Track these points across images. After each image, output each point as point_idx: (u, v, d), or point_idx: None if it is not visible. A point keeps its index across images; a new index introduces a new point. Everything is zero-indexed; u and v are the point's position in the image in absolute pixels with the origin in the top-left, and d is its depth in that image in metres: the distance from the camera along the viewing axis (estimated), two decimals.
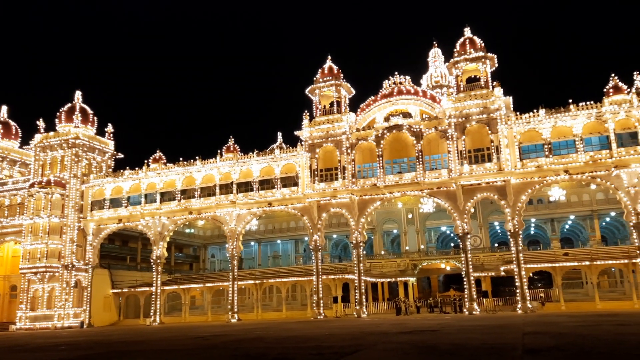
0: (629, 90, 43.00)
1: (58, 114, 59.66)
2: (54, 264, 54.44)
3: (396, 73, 51.47)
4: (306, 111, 50.37)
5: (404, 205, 58.60)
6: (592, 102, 42.38)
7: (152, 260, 54.64)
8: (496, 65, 46.79)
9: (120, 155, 62.70)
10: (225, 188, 52.61)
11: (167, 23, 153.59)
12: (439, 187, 45.51)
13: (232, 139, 55.41)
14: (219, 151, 54.03)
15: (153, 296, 53.99)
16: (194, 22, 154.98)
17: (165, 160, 57.37)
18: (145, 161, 56.85)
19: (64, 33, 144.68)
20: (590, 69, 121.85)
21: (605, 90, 42.70)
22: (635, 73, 47.95)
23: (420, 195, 47.20)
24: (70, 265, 55.00)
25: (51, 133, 58.53)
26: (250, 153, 52.67)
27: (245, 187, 52.03)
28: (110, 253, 63.18)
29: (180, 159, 55.32)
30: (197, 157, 54.21)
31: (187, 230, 69.69)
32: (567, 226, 62.87)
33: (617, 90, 42.18)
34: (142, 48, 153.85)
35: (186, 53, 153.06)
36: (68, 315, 54.37)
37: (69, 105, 59.99)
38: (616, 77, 42.76)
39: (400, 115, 48.78)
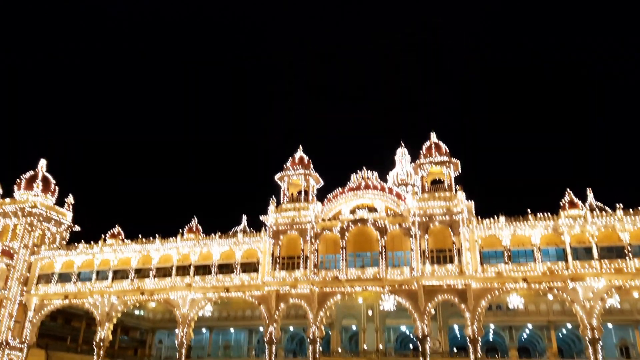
0: (582, 205, 45.11)
1: (18, 180, 58.05)
2: None
3: (364, 168, 52.94)
4: (273, 197, 50.72)
5: (364, 301, 57.42)
6: (549, 214, 44.02)
7: (95, 343, 51.05)
8: (460, 170, 48.68)
9: (77, 228, 60.67)
10: (182, 270, 50.94)
11: (140, 101, 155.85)
12: (401, 285, 45.19)
13: (196, 219, 54.63)
14: (180, 231, 53.09)
15: None
16: (165, 101, 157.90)
17: (123, 237, 55.76)
18: (103, 236, 55.07)
19: (30, 98, 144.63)
20: (546, 182, 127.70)
21: (561, 204, 44.71)
22: (588, 189, 50.49)
23: (382, 292, 46.55)
24: (4, 343, 50.75)
25: (7, 200, 56.49)
26: (213, 234, 51.81)
27: (203, 270, 50.54)
28: (50, 332, 58.73)
29: (139, 235, 53.87)
30: (156, 235, 52.90)
31: (136, 312, 65.98)
32: (524, 335, 62.38)
33: (572, 204, 44.22)
34: (115, 122, 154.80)
35: (157, 129, 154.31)
36: None
37: (32, 173, 58.64)
38: (571, 192, 45.04)
39: (366, 209, 49.37)
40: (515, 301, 47.81)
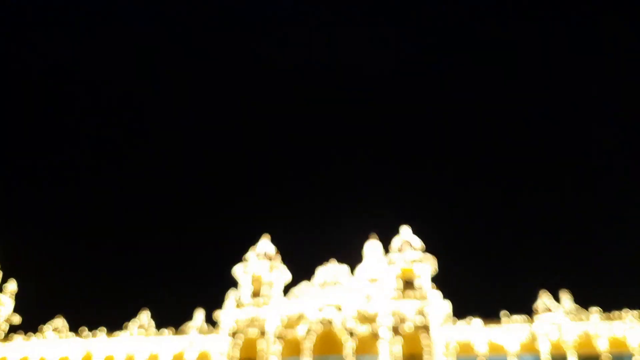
0: (558, 308, 43.62)
1: None
2: None
3: (333, 260, 50.37)
4: (234, 290, 47.18)
5: None
6: (525, 316, 42.69)
7: None
8: (434, 267, 46.60)
9: (18, 319, 54.64)
10: None
11: (95, 183, 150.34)
12: None
13: (148, 312, 50.25)
14: (129, 325, 48.44)
15: None
16: (119, 187, 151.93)
17: (68, 329, 50.47)
18: (41, 325, 49.79)
19: None
20: (521, 279, 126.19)
21: (535, 307, 43.21)
22: (562, 291, 48.81)
23: None
24: None
25: None
26: (165, 330, 47.54)
27: None
28: None
29: (86, 329, 48.93)
30: (102, 328, 48.27)
31: None
32: None
33: (546, 307, 42.78)
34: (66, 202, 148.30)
35: (108, 213, 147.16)
36: None
37: None
38: (546, 292, 43.75)
39: (334, 307, 46.28)
40: None
